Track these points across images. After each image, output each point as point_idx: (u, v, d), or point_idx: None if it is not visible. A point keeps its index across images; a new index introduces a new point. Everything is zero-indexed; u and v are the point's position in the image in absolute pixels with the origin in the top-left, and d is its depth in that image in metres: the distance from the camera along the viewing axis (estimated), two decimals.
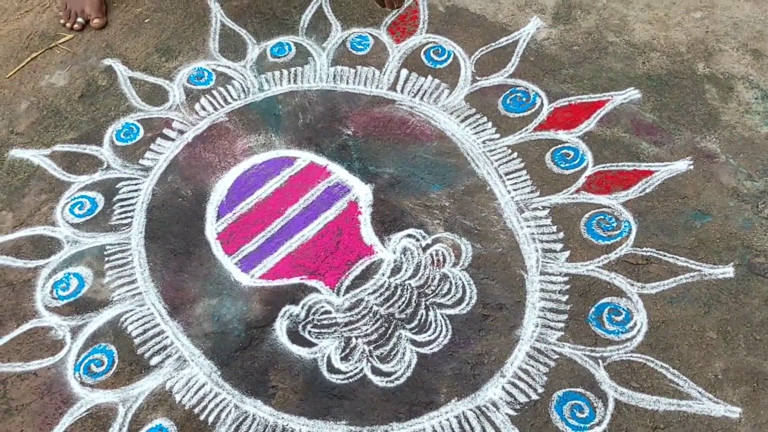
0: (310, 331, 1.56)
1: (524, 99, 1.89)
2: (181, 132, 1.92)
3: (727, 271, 1.56)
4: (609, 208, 1.68)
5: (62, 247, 1.73)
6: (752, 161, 1.72)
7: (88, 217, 1.78)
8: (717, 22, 1.99)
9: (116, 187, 1.83)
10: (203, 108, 1.97)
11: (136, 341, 1.57)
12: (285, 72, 2.03)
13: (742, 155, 1.73)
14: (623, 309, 1.53)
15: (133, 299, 1.64)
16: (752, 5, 2.00)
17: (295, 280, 1.64)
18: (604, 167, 1.75)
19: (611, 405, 1.42)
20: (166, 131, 1.93)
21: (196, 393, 1.50)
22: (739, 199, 1.66)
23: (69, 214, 1.78)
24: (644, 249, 1.61)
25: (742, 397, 1.41)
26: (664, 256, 1.59)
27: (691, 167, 1.73)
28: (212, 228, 1.74)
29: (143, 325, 1.60)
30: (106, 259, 1.71)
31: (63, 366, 1.55)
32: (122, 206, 1.79)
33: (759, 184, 1.68)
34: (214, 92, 2.00)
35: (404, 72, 1.99)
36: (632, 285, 1.56)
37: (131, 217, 1.78)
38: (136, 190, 1.82)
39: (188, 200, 1.79)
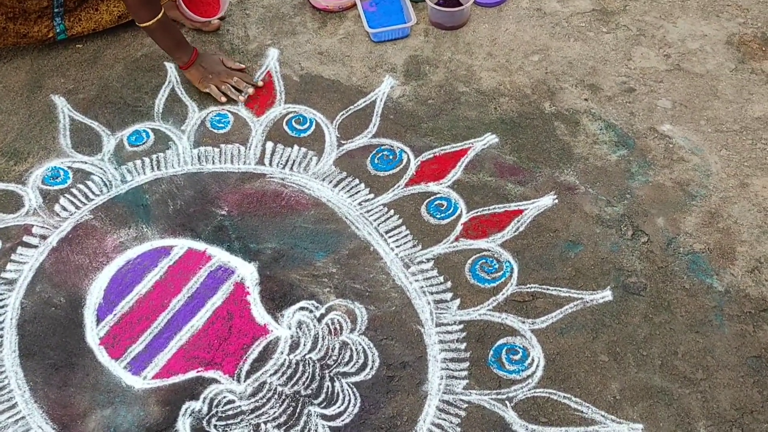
0: (215, 425, 1.50)
1: (391, 157, 1.94)
2: (44, 237, 1.82)
3: (606, 295, 1.66)
4: (489, 251, 1.75)
5: None
6: (608, 188, 1.84)
7: None
8: (554, 63, 2.14)
9: None
10: (64, 208, 1.87)
11: None
12: (147, 159, 1.98)
13: (599, 183, 1.85)
14: (519, 347, 1.59)
15: (16, 425, 1.51)
16: (581, 44, 2.17)
17: (192, 374, 1.58)
18: (477, 212, 1.82)
19: None
20: (26, 239, 1.81)
21: None
22: (604, 225, 1.78)
23: None
24: (528, 286, 1.68)
25: (641, 413, 1.49)
26: (548, 289, 1.67)
27: (556, 201, 1.83)
28: (93, 334, 1.65)
29: None
30: None
31: None
32: None
33: (618, 209, 1.80)
34: (74, 190, 1.91)
35: (270, 144, 1.99)
36: (523, 322, 1.62)
37: (1, 336, 1.65)
38: (1, 306, 1.70)
39: (62, 308, 1.69)
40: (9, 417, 1.53)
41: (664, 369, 1.54)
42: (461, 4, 2.22)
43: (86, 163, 1.98)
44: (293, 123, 2.04)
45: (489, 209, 1.82)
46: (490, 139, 1.97)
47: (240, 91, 2.09)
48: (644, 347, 1.58)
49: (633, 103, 2.01)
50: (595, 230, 1.77)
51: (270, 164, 1.95)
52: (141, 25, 1.96)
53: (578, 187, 1.85)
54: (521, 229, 1.78)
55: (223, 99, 2.07)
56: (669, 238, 1.74)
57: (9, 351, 1.63)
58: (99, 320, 1.67)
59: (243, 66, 2.14)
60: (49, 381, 1.58)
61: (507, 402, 1.51)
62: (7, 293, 1.72)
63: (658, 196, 1.82)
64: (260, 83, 2.11)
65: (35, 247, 1.80)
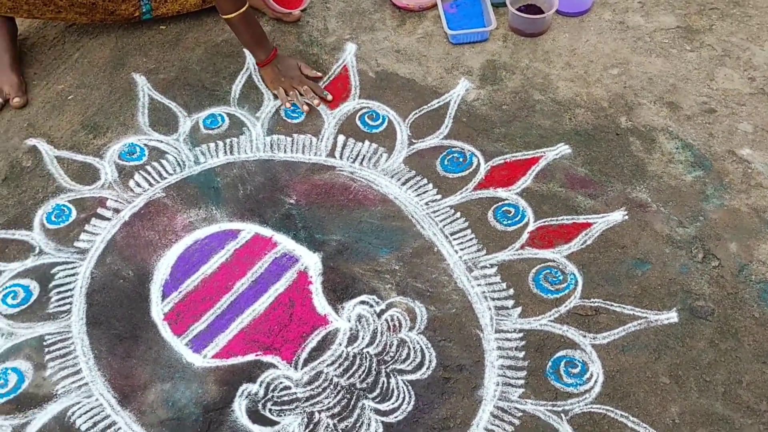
0: (270, 409, 1.52)
1: (461, 159, 1.94)
2: (117, 211, 1.87)
3: (672, 317, 1.63)
4: (554, 261, 1.73)
5: None
6: (681, 208, 1.81)
7: (23, 307, 1.69)
8: (633, 77, 2.10)
9: (51, 272, 1.75)
10: (138, 184, 1.92)
11: None
12: (220, 143, 2.01)
13: (672, 203, 1.82)
14: (579, 361, 1.57)
15: (80, 391, 1.56)
16: (663, 61, 2.13)
17: (251, 357, 1.60)
18: (544, 222, 1.80)
19: None
20: (100, 211, 1.87)
21: None
22: (674, 245, 1.74)
23: (2, 305, 1.69)
24: (592, 300, 1.66)
25: None
26: (612, 305, 1.65)
27: (626, 217, 1.80)
28: (158, 309, 1.69)
29: (92, 417, 1.52)
30: (46, 350, 1.62)
31: None
32: (59, 292, 1.71)
33: (690, 230, 1.77)
34: (148, 168, 1.96)
35: (341, 138, 2.01)
36: (584, 336, 1.60)
37: (70, 303, 1.70)
38: (73, 275, 1.75)
39: (130, 281, 1.73)
40: (73, 382, 1.57)
41: (727, 397, 1.51)
42: (542, 12, 2.21)
43: (162, 142, 2.02)
44: (366, 118, 2.06)
45: (557, 220, 1.80)
46: (563, 149, 1.95)
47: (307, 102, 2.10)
48: (708, 373, 1.54)
49: (713, 124, 1.97)
50: (665, 250, 1.74)
51: (340, 157, 1.97)
52: (223, 16, 1.99)
53: (650, 205, 1.82)
54: (588, 242, 1.76)
55: (288, 105, 2.09)
56: (741, 264, 1.70)
57: (77, 318, 1.67)
58: (164, 296, 1.70)
59: (320, 75, 2.15)
60: (113, 351, 1.62)
61: (562, 415, 1.49)
62: (79, 262, 1.77)
63: (732, 220, 1.78)
64: (329, 97, 2.11)
65: (108, 219, 1.85)
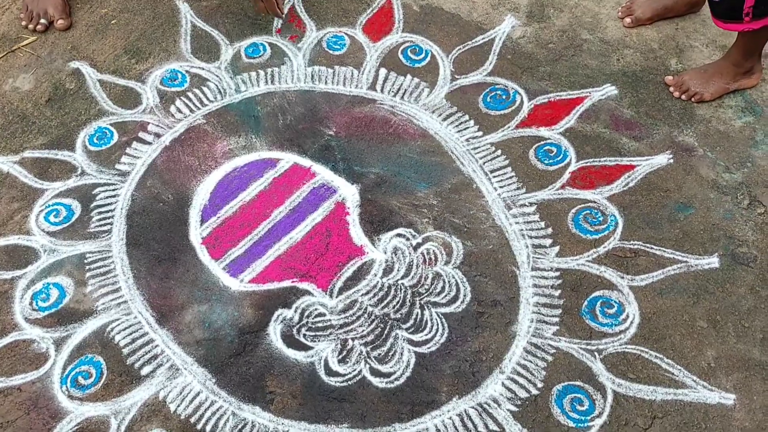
0: (305, 335, 1.54)
1: (504, 97, 1.91)
2: (158, 135, 1.87)
3: (713, 262, 1.60)
4: (594, 202, 1.70)
5: (39, 257, 1.67)
6: (729, 154, 1.77)
7: (65, 225, 1.72)
8: (686, 19, 2.04)
9: (93, 193, 1.77)
10: (179, 110, 1.92)
11: (125, 351, 1.52)
12: (261, 73, 2.00)
13: (719, 148, 1.78)
14: (615, 302, 1.56)
15: (119, 308, 1.59)
16: None
17: (286, 284, 1.61)
18: (587, 163, 1.77)
19: (610, 397, 1.44)
20: (141, 135, 1.88)
21: (191, 402, 1.46)
22: (719, 191, 1.71)
23: (44, 223, 1.72)
24: (632, 242, 1.64)
25: (735, 384, 1.44)
26: (651, 248, 1.62)
27: (671, 161, 1.76)
28: (196, 233, 1.70)
29: (131, 334, 1.55)
30: (87, 267, 1.65)
31: (48, 380, 1.50)
32: (100, 213, 1.74)
33: (737, 176, 1.73)
34: (189, 94, 1.96)
35: (383, 71, 1.98)
36: (622, 278, 1.59)
37: (111, 223, 1.72)
38: (114, 196, 1.77)
39: (170, 205, 1.75)
40: (112, 299, 1.60)
41: (766, 343, 1.49)
42: None
43: (203, 69, 2.02)
44: (409, 52, 2.03)
45: (600, 161, 1.77)
46: (609, 90, 1.90)
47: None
48: (747, 319, 1.52)
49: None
50: (709, 195, 1.70)
51: (381, 91, 1.94)
52: None
53: (696, 149, 1.78)
54: (631, 184, 1.73)
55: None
56: None
57: (117, 238, 1.69)
58: (203, 221, 1.72)
59: None
60: (152, 271, 1.64)
61: (596, 353, 1.49)
62: (120, 184, 1.79)
63: None
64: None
65: (149, 143, 1.86)
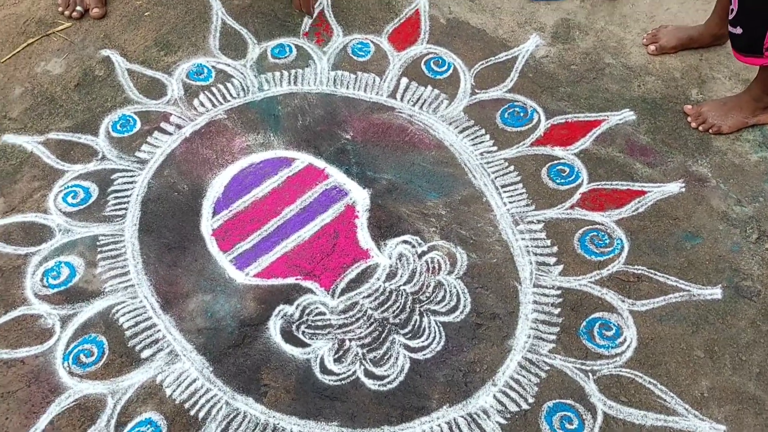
0: (303, 332, 1.56)
1: (522, 114, 1.92)
2: (179, 127, 1.92)
3: (715, 293, 1.60)
4: (602, 225, 1.71)
5: (54, 236, 1.71)
6: (742, 187, 1.76)
7: (82, 207, 1.76)
8: (711, 50, 2.04)
9: (111, 177, 1.82)
10: (202, 104, 1.97)
11: (127, 333, 1.56)
12: (285, 73, 2.04)
13: (732, 181, 1.78)
14: (614, 324, 1.56)
15: (126, 291, 1.62)
16: None
17: (290, 280, 1.64)
18: (598, 185, 1.78)
19: (600, 418, 1.44)
20: (163, 125, 1.92)
21: (187, 388, 1.49)
22: (729, 223, 1.70)
23: (62, 203, 1.76)
24: (636, 267, 1.64)
25: (726, 415, 1.44)
26: (655, 274, 1.63)
27: (683, 190, 1.77)
28: (208, 224, 1.74)
29: (135, 317, 1.58)
30: (99, 249, 1.69)
31: (51, 355, 1.53)
32: (117, 197, 1.78)
33: (748, 210, 1.72)
34: (213, 89, 2.00)
35: (404, 80, 2.01)
36: (623, 301, 1.59)
37: (125, 208, 1.76)
38: (131, 182, 1.81)
39: (184, 195, 1.79)
40: (120, 282, 1.64)
41: (762, 378, 1.48)
42: None
43: (229, 66, 2.06)
44: (432, 64, 2.05)
45: (611, 184, 1.78)
46: (627, 115, 1.91)
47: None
48: (745, 352, 1.52)
49: None
50: (718, 226, 1.70)
51: (401, 99, 1.97)
52: None
53: (710, 180, 1.78)
54: (640, 210, 1.73)
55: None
56: None
57: (130, 223, 1.73)
58: (215, 213, 1.75)
59: None
60: (161, 258, 1.68)
61: (590, 374, 1.49)
62: (138, 171, 1.83)
63: None
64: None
65: (170, 134, 1.90)
